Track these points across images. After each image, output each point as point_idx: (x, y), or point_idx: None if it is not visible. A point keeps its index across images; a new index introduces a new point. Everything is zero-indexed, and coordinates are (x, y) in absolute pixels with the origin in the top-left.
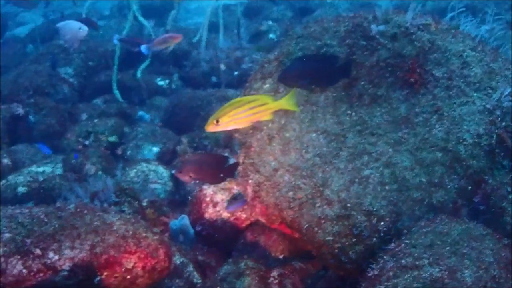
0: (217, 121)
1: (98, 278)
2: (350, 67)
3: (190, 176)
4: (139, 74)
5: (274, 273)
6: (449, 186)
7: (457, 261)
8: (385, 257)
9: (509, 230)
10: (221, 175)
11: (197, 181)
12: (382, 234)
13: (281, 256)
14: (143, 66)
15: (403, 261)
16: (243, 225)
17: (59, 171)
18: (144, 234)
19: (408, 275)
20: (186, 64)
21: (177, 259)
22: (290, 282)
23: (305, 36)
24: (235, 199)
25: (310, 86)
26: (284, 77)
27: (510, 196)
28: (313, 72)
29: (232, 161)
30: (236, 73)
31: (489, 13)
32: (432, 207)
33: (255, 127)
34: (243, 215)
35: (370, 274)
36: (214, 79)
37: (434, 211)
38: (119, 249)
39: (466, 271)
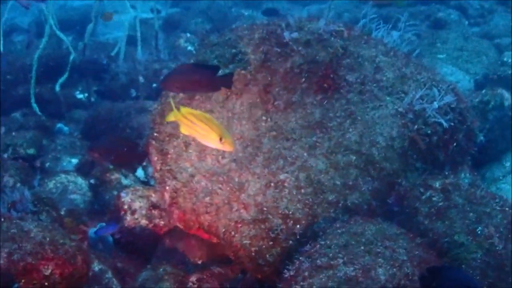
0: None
1: (17, 285)
2: (232, 77)
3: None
4: (58, 88)
5: (193, 278)
6: (363, 188)
7: (371, 260)
8: (301, 258)
9: (422, 230)
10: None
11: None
12: (298, 237)
13: (200, 261)
14: (61, 79)
15: (318, 261)
16: (162, 232)
17: None
18: (61, 241)
19: (323, 275)
20: (105, 76)
21: (96, 266)
22: (209, 287)
23: (220, 44)
24: (109, 222)
25: (191, 92)
26: (165, 82)
27: (423, 197)
28: (194, 80)
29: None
30: (154, 85)
31: (401, 20)
32: (347, 209)
33: (171, 134)
34: (161, 222)
35: (286, 275)
36: (133, 92)
37: (349, 212)
38: (37, 256)
39: (380, 269)
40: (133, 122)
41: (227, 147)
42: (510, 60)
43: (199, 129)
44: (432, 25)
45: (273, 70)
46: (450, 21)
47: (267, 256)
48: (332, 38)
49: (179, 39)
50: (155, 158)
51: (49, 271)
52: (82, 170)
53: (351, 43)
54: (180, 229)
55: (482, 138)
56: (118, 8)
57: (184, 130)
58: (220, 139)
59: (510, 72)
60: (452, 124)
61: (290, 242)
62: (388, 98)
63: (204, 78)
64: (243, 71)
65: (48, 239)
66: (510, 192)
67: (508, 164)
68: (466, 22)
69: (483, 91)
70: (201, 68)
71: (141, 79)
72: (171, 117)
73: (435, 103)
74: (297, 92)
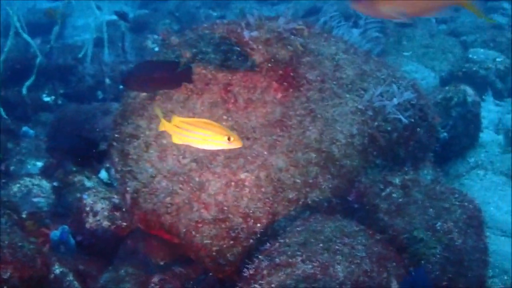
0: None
1: None
2: (191, 72)
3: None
4: (24, 91)
5: (155, 279)
6: (323, 186)
7: (330, 257)
8: (260, 256)
9: (382, 226)
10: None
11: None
12: (259, 235)
13: (162, 262)
14: (28, 82)
15: (277, 259)
16: (124, 233)
17: None
18: (20, 244)
19: (282, 273)
20: (72, 79)
21: (57, 269)
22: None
23: (181, 44)
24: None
25: (151, 90)
26: (126, 80)
27: (382, 194)
28: (154, 77)
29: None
30: (121, 86)
31: (362, 17)
32: (308, 207)
33: (132, 135)
34: (123, 223)
35: (245, 274)
36: (100, 93)
37: (309, 210)
38: None
39: (338, 266)
40: (98, 124)
41: (236, 145)
42: (475, 57)
43: (200, 136)
44: (399, 22)
45: (233, 69)
46: (417, 19)
47: (228, 255)
48: (292, 37)
49: (146, 40)
50: (116, 159)
51: (8, 274)
52: (47, 173)
53: (311, 41)
54: (142, 230)
55: (445, 134)
56: (85, 10)
57: (176, 140)
58: (229, 139)
59: (474, 68)
60: (413, 120)
61: (251, 241)
62: (348, 96)
63: (165, 74)
64: (203, 71)
65: (6, 242)
66: (473, 187)
67: (472, 160)
68: (434, 20)
69: (446, 87)
70: (160, 65)
71: (107, 81)
72: (160, 127)
73: (394, 99)
74: (258, 91)
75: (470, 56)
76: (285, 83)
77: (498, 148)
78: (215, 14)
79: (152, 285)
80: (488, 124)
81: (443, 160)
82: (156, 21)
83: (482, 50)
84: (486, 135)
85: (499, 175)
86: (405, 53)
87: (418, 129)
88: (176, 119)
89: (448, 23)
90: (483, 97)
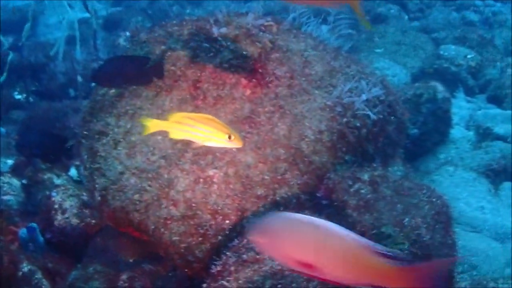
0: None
1: None
2: (163, 67)
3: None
4: None
5: (124, 276)
6: (292, 182)
7: None
8: (228, 253)
9: (351, 222)
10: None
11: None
12: (227, 232)
13: (131, 259)
14: None
15: (244, 256)
16: (93, 231)
17: None
18: None
19: (249, 269)
20: (43, 77)
21: (25, 267)
22: (140, 285)
23: (149, 41)
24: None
25: (122, 85)
26: (97, 76)
27: (351, 190)
28: (125, 72)
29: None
30: (93, 84)
31: (331, 13)
32: (276, 203)
33: (101, 132)
34: (92, 221)
35: (213, 271)
36: (72, 91)
37: (278, 207)
38: None
39: None
40: (69, 121)
41: (237, 144)
42: (446, 54)
43: (201, 132)
44: (372, 20)
45: (202, 66)
46: (390, 16)
47: (197, 252)
48: (261, 33)
49: (118, 38)
50: (85, 157)
51: None
52: (17, 171)
53: (280, 37)
54: (111, 227)
55: (416, 130)
56: (57, 8)
57: (175, 135)
58: (229, 137)
59: (446, 65)
60: (382, 116)
61: (219, 237)
62: (317, 92)
63: (135, 70)
64: (172, 67)
65: None
66: (443, 184)
67: (442, 156)
68: (406, 17)
69: (417, 84)
70: (131, 60)
71: (79, 78)
72: (153, 129)
73: (363, 95)
74: (226, 87)
75: (441, 52)
76: (253, 80)
77: (468, 144)
78: (187, 11)
79: (121, 282)
80: (459, 120)
81: (414, 157)
82: (129, 18)
83: (453, 46)
84: (457, 131)
85: (469, 171)
86: (377, 50)
87: (387, 125)
88: (177, 115)
89: (421, 20)
90: (454, 93)
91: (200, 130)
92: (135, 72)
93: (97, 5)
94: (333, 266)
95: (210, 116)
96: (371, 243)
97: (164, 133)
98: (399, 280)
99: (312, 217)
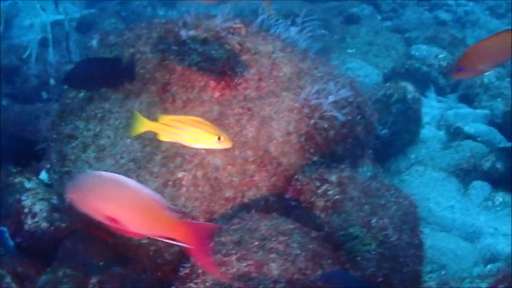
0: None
1: None
2: (134, 68)
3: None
4: None
5: (93, 279)
6: (260, 184)
7: (264, 255)
8: None
9: (319, 223)
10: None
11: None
12: None
13: (101, 263)
14: None
15: (211, 258)
16: (63, 234)
17: None
18: None
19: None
20: (17, 79)
21: None
22: None
23: (119, 44)
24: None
25: (95, 87)
26: (69, 78)
27: (319, 191)
28: (97, 74)
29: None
30: (66, 87)
31: (300, 15)
32: (245, 205)
33: (70, 136)
34: (62, 224)
35: (181, 273)
36: (44, 94)
37: (246, 209)
38: None
39: (273, 264)
40: (41, 125)
41: (225, 145)
42: (417, 54)
43: (190, 134)
44: (345, 20)
45: (171, 69)
46: (363, 16)
47: (166, 254)
48: (230, 35)
49: (91, 40)
50: (54, 160)
51: None
52: None
53: (248, 39)
54: (81, 230)
55: (386, 131)
56: (32, 10)
57: (164, 138)
58: (219, 138)
59: (417, 65)
60: (350, 117)
61: None
62: (285, 94)
63: (107, 72)
64: (141, 70)
65: None
66: (412, 184)
67: (412, 156)
68: (379, 17)
69: (387, 84)
70: (103, 62)
71: (52, 81)
72: (143, 128)
73: (330, 97)
74: (195, 90)
75: (413, 52)
76: (222, 82)
77: (439, 144)
78: (161, 13)
79: (91, 285)
80: (430, 120)
81: (385, 157)
82: (102, 20)
83: (424, 46)
84: (428, 131)
85: (439, 171)
86: (349, 50)
87: (356, 126)
88: (166, 117)
89: (394, 20)
90: (426, 93)
91: (188, 132)
92: (106, 74)
93: (71, 7)
94: (133, 220)
95: (198, 118)
96: (163, 199)
97: (134, 136)
98: (180, 232)
99: (120, 176)
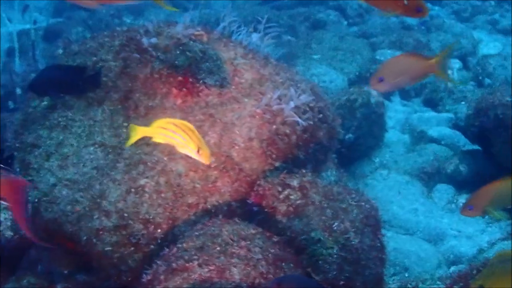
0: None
1: None
2: (100, 76)
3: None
4: None
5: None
6: (222, 190)
7: (226, 260)
8: (158, 262)
9: (281, 228)
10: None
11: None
12: (159, 241)
13: (66, 271)
14: None
15: (174, 264)
16: (28, 243)
17: None
18: None
19: (178, 277)
20: None
21: None
22: None
23: (81, 52)
24: None
25: (60, 94)
26: (34, 85)
27: (280, 196)
28: (63, 81)
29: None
30: (28, 95)
31: (262, 21)
32: (207, 211)
33: (33, 145)
34: (26, 233)
35: (144, 280)
36: (11, 103)
37: (209, 214)
38: None
39: (235, 269)
40: (7, 134)
41: (203, 159)
42: (382, 58)
43: (180, 139)
44: (311, 26)
45: (133, 76)
46: (329, 21)
47: (130, 262)
48: (191, 42)
49: (58, 49)
50: (17, 169)
51: None
52: None
53: (210, 46)
54: (45, 239)
55: (351, 135)
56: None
57: (159, 139)
58: (198, 151)
59: None
60: (312, 123)
61: (152, 246)
62: (246, 100)
63: (73, 78)
64: (104, 78)
65: None
66: (376, 187)
67: (377, 160)
68: (345, 22)
69: (351, 89)
70: (68, 69)
71: (18, 91)
72: (137, 136)
73: (291, 102)
74: (158, 97)
75: (378, 57)
76: (184, 89)
77: (403, 148)
78: (128, 21)
79: None
80: (395, 124)
81: (350, 161)
82: (70, 29)
83: (389, 51)
84: (392, 135)
85: (403, 174)
86: (315, 56)
87: (318, 131)
88: (163, 120)
89: (360, 25)
90: (390, 97)
91: (179, 137)
92: (72, 81)
93: (38, 16)
94: None
95: (190, 126)
96: None
97: (96, 144)
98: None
99: None
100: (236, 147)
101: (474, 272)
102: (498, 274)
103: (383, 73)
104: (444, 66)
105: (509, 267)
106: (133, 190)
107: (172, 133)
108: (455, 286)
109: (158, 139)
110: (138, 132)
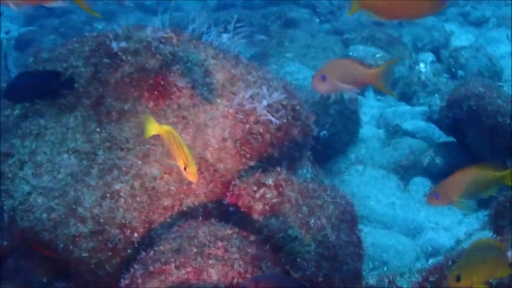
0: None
1: None
2: (73, 81)
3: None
4: None
5: None
6: (198, 192)
7: (203, 262)
8: (135, 266)
9: (258, 227)
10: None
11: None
12: (136, 245)
13: (44, 279)
14: None
15: (151, 267)
16: (6, 252)
17: None
18: None
19: (156, 280)
20: None
21: None
22: None
23: (51, 60)
24: None
25: (34, 100)
26: (8, 91)
27: (256, 195)
28: (37, 86)
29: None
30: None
31: (231, 22)
32: (183, 213)
33: (7, 154)
34: (4, 243)
35: (122, 284)
36: None
37: (185, 216)
38: None
39: (212, 269)
40: None
41: (189, 177)
42: (355, 54)
43: (176, 149)
44: (284, 24)
45: (104, 82)
46: (302, 20)
47: (107, 267)
48: (161, 45)
49: (30, 57)
50: None
51: None
52: None
53: (180, 48)
54: (22, 248)
55: (325, 132)
56: None
57: (167, 140)
58: (185, 168)
59: None
60: (285, 120)
61: (129, 251)
62: (218, 100)
63: (47, 84)
64: (75, 85)
65: None
66: (353, 183)
67: (352, 156)
68: (318, 20)
69: None
70: (42, 75)
71: None
72: (154, 131)
73: (264, 101)
74: (129, 101)
75: (351, 53)
76: (156, 92)
77: (378, 143)
78: (100, 27)
79: None
80: (370, 119)
81: (325, 158)
82: (41, 37)
83: (362, 47)
84: (367, 131)
85: (378, 169)
86: (287, 54)
87: (292, 129)
88: (168, 127)
89: (332, 22)
90: (365, 93)
91: (175, 148)
92: (46, 87)
93: (9, 25)
94: None
95: (183, 142)
96: None
97: (70, 151)
98: None
99: None
100: (210, 148)
101: (450, 263)
102: (474, 263)
103: (327, 72)
104: (385, 78)
105: (485, 256)
106: (108, 195)
107: (174, 141)
108: (430, 277)
109: (166, 139)
110: (153, 129)
